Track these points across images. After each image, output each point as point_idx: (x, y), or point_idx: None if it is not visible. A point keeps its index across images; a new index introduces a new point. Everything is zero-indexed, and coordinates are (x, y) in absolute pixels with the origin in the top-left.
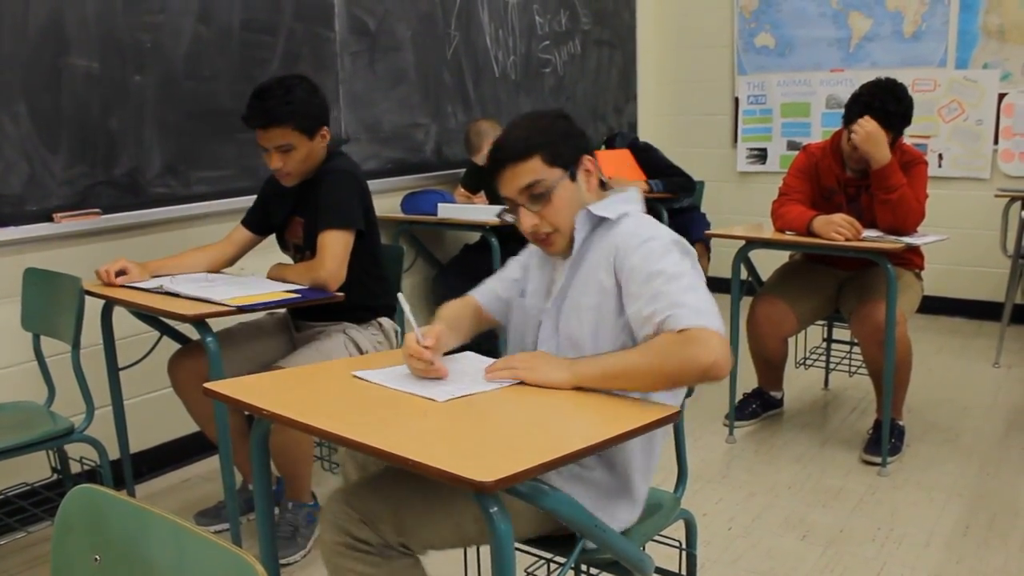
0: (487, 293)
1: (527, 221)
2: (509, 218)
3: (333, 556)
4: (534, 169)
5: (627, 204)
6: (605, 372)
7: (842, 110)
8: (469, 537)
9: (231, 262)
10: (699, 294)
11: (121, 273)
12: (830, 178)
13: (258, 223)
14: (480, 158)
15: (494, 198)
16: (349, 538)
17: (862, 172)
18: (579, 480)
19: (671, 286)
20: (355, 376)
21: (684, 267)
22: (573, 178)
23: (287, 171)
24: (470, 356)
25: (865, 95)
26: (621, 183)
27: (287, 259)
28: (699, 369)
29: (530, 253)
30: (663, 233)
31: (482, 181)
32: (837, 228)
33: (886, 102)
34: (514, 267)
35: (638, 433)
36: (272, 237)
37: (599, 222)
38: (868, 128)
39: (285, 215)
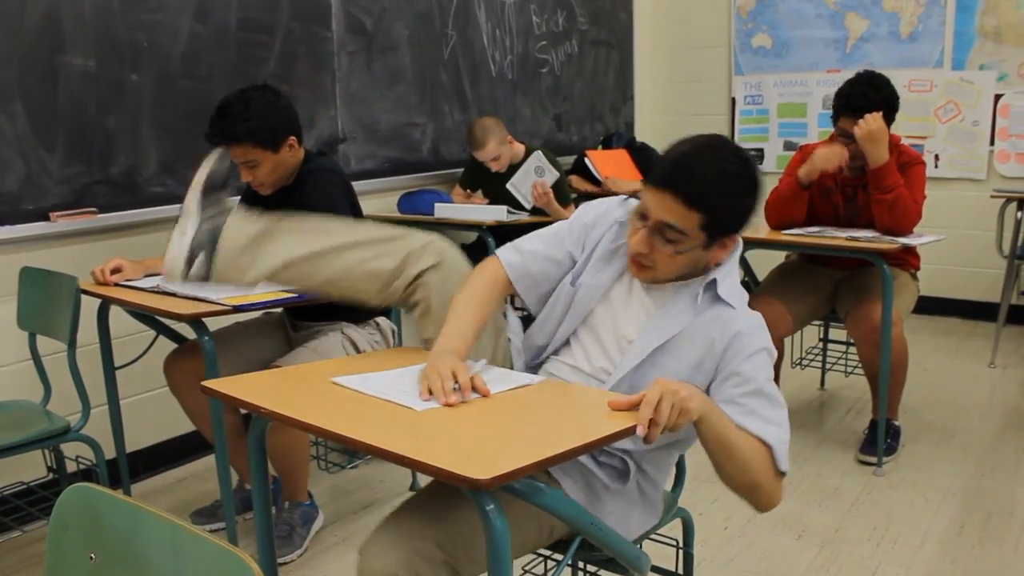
0: (518, 269)
1: (639, 243)
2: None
3: None
4: (691, 221)
5: (737, 283)
6: (720, 433)
7: None
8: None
9: None
10: (786, 422)
11: (116, 271)
12: (827, 177)
13: None
14: (483, 153)
15: (492, 197)
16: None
17: (859, 171)
18: (619, 494)
19: (775, 413)
20: (334, 382)
21: (778, 392)
22: (707, 247)
23: (258, 183)
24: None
25: (845, 88)
26: (618, 183)
27: None
28: (761, 505)
29: (592, 236)
30: (766, 339)
31: (480, 180)
32: (825, 159)
33: (865, 91)
34: (563, 243)
35: (633, 431)
36: None
37: (715, 297)
38: (872, 127)
39: None
